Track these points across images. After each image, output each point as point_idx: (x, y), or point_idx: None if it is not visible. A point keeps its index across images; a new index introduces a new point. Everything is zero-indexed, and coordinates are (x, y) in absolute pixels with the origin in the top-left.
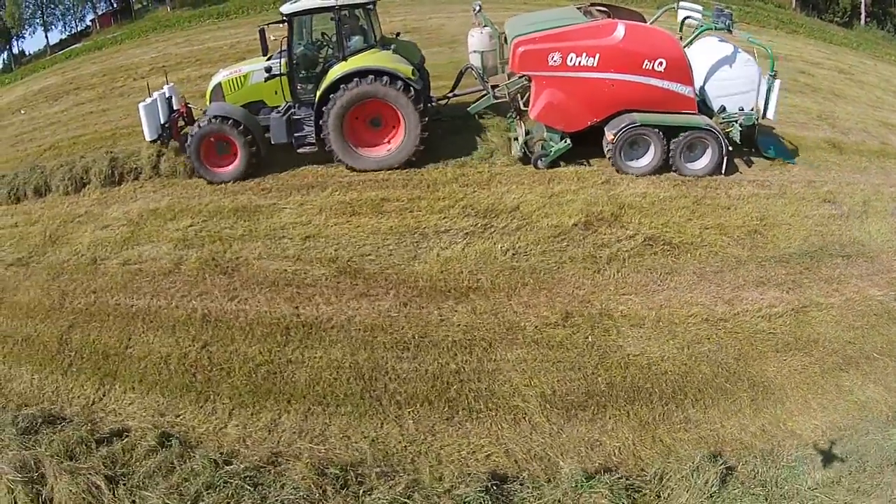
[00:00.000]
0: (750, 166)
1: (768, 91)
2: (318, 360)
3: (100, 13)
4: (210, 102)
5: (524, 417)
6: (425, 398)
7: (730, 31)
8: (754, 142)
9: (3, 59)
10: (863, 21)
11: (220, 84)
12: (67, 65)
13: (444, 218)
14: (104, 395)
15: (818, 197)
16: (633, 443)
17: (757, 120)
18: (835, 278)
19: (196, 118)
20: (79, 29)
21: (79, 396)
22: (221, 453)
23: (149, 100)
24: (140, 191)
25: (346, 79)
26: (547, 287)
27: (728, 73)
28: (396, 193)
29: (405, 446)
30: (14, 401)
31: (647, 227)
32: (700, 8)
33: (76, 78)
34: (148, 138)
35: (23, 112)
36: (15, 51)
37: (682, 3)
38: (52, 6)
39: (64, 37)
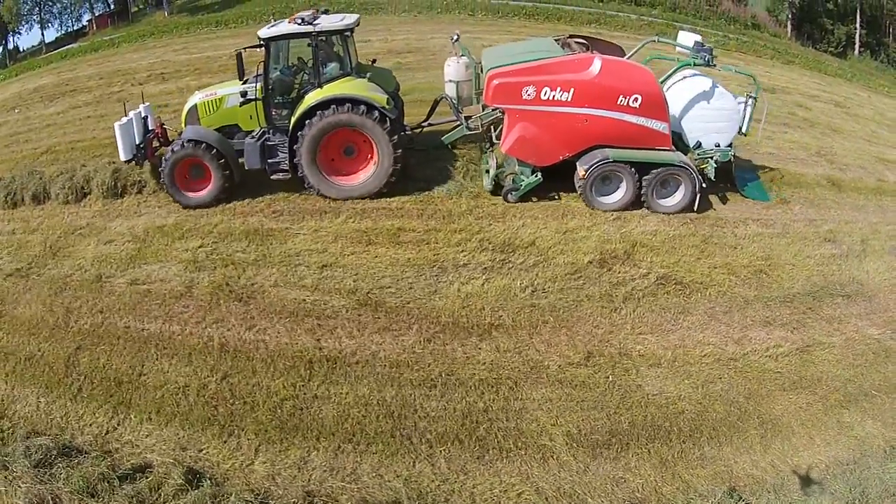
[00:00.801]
0: (753, 205)
1: (745, 107)
2: (345, 397)
3: (97, 14)
4: (185, 124)
5: (552, 456)
6: (455, 437)
7: (710, 66)
8: (732, 178)
9: None
10: (857, 51)
11: (195, 106)
12: (63, 65)
13: (462, 251)
14: (118, 425)
15: (819, 236)
16: (655, 480)
17: (733, 157)
18: (836, 318)
19: (171, 139)
20: (75, 28)
21: (91, 425)
22: (255, 493)
23: (124, 119)
24: (144, 205)
25: (320, 106)
26: (567, 326)
27: (706, 109)
28: (412, 224)
29: (438, 485)
30: (21, 426)
31: (658, 266)
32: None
33: (72, 79)
34: (123, 158)
35: (17, 111)
36: (10, 46)
37: (661, 38)
38: (50, 4)
39: (60, 35)
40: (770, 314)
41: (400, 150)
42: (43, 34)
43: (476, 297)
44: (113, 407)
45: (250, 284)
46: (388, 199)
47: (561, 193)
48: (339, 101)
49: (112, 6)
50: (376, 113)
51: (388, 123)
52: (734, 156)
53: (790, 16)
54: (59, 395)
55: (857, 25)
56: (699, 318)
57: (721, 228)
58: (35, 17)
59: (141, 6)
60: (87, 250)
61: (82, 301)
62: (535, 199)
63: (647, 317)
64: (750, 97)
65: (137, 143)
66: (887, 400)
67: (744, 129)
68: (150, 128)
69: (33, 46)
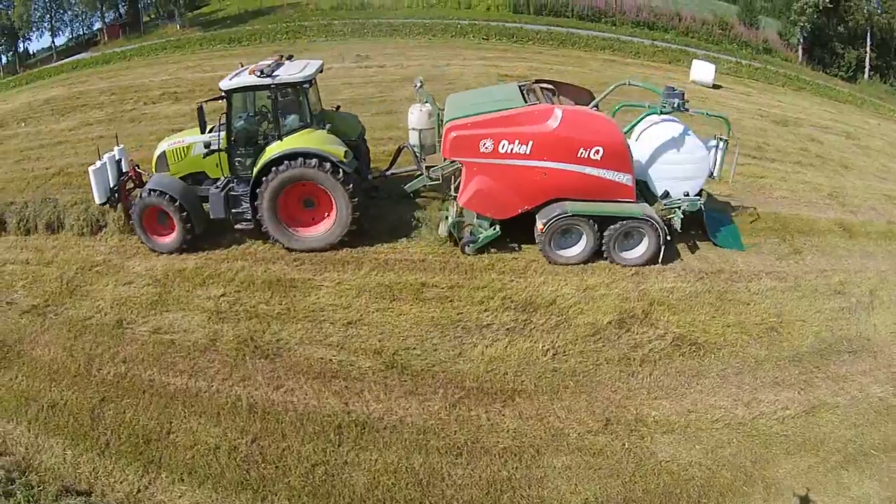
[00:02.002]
0: (767, 256)
1: (716, 151)
2: (374, 464)
3: (108, 23)
4: (155, 170)
5: None
6: None
7: (681, 111)
8: (703, 226)
9: (7, 58)
10: (867, 74)
11: (164, 153)
12: (74, 76)
13: (486, 310)
14: (150, 484)
15: (830, 288)
16: None
17: (703, 206)
18: (841, 376)
19: (145, 180)
20: (86, 36)
21: (121, 482)
22: None
23: (98, 163)
24: None
25: (279, 159)
26: (586, 391)
27: (675, 157)
28: (435, 279)
29: None
30: (49, 481)
31: (675, 326)
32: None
33: (83, 93)
34: (97, 201)
35: (24, 124)
36: (20, 49)
37: (633, 82)
38: (62, 11)
39: (70, 43)
40: (779, 374)
41: (357, 201)
42: (53, 41)
43: (499, 360)
44: (143, 465)
45: (276, 340)
46: (410, 251)
47: (522, 245)
48: (296, 156)
49: (123, 16)
50: (332, 166)
51: (345, 176)
52: (703, 206)
53: (801, 40)
54: (86, 448)
55: (868, 49)
56: (712, 381)
57: (735, 283)
58: (46, 24)
59: (152, 17)
60: (106, 291)
61: (104, 348)
62: (493, 249)
63: (663, 380)
64: (721, 139)
65: (111, 185)
66: (885, 459)
67: (715, 175)
68: (124, 170)
69: (43, 50)
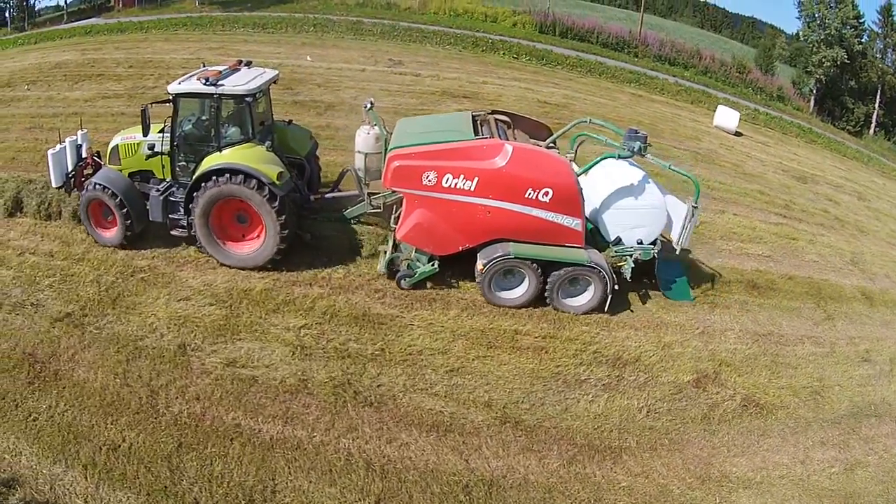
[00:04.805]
0: (807, 321)
1: (686, 219)
2: None
3: None
4: (108, 162)
5: None
6: None
7: (641, 155)
8: (654, 276)
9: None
10: (872, 130)
11: (117, 147)
12: (87, 42)
13: (581, 364)
14: None
15: (858, 356)
16: None
17: (657, 254)
18: (871, 438)
19: None
20: (98, 1)
21: None
22: None
23: (57, 147)
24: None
25: (213, 173)
26: (678, 448)
27: (630, 204)
28: (527, 326)
29: None
30: None
31: (741, 387)
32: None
33: (98, 61)
34: (53, 185)
35: (30, 88)
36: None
37: (594, 120)
38: None
39: (81, 5)
40: (824, 435)
41: (287, 226)
42: (66, 3)
43: (603, 417)
44: None
45: (376, 386)
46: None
47: (460, 282)
48: (230, 171)
49: None
50: (265, 189)
51: (276, 199)
52: (657, 254)
53: (814, 91)
54: None
55: (877, 106)
56: (774, 441)
57: (784, 347)
58: None
59: None
60: (158, 306)
61: (167, 378)
62: (429, 285)
63: (737, 439)
64: (694, 207)
65: (69, 171)
66: None
67: (679, 246)
68: (83, 156)
69: (47, 9)
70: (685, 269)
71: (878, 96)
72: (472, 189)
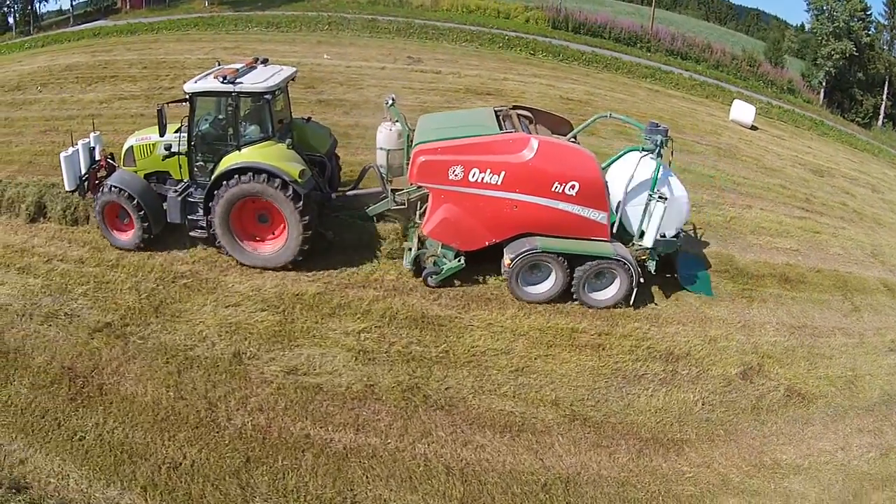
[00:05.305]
0: (836, 312)
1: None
2: None
3: None
4: (123, 164)
5: None
6: None
7: (662, 148)
8: (675, 271)
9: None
10: (880, 122)
11: (131, 148)
12: (96, 44)
13: (637, 360)
14: None
15: (885, 345)
16: None
17: (680, 247)
18: None
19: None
20: (105, 2)
21: None
22: None
23: (70, 150)
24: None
25: (236, 171)
26: (733, 439)
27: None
28: (582, 324)
29: None
30: None
31: (783, 379)
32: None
33: (110, 62)
34: (67, 188)
35: (41, 90)
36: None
37: (614, 115)
38: None
39: (87, 7)
40: (860, 423)
41: (310, 225)
42: (72, 4)
43: (663, 411)
44: None
45: (444, 389)
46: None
47: (487, 278)
48: (251, 170)
49: None
50: (287, 187)
51: (299, 198)
52: (680, 247)
53: (823, 83)
54: None
55: (885, 97)
56: (817, 429)
57: (818, 338)
58: None
59: None
60: (205, 313)
61: (225, 389)
62: (458, 282)
63: (785, 428)
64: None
65: (82, 174)
66: None
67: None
68: (96, 158)
69: (50, 13)
70: (706, 263)
71: (885, 88)
72: (499, 183)
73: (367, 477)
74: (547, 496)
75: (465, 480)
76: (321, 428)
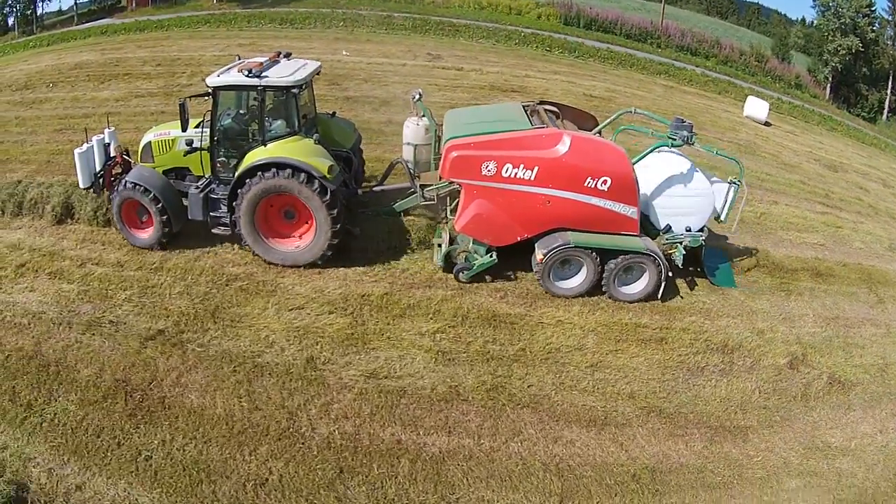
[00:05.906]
0: (863, 305)
1: (727, 192)
2: None
3: None
4: (140, 160)
5: None
6: None
7: (689, 144)
8: (700, 263)
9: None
10: (885, 116)
11: (149, 144)
12: (104, 42)
13: (697, 353)
14: None
15: None
16: None
17: (703, 243)
18: None
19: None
20: (109, 1)
21: None
22: None
23: (85, 146)
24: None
25: (261, 167)
26: (788, 425)
27: (680, 192)
28: (644, 319)
29: None
30: None
31: (825, 367)
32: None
33: (122, 60)
34: (81, 186)
35: (52, 87)
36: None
37: (638, 110)
38: None
39: (92, 6)
40: (894, 408)
41: (339, 221)
42: (76, 3)
43: (727, 400)
44: None
45: (527, 387)
46: None
47: (518, 273)
48: (277, 166)
49: None
50: (315, 182)
51: (320, 190)
52: (704, 243)
53: (829, 79)
54: None
55: (889, 91)
56: (857, 414)
57: (850, 329)
58: None
59: None
60: (269, 317)
61: (303, 397)
62: (488, 277)
63: (830, 414)
64: (733, 182)
65: (97, 170)
66: None
67: (722, 217)
68: (111, 155)
69: (51, 13)
70: (728, 257)
71: (889, 82)
72: (532, 178)
73: (467, 479)
74: (637, 486)
75: (562, 476)
76: (412, 432)
